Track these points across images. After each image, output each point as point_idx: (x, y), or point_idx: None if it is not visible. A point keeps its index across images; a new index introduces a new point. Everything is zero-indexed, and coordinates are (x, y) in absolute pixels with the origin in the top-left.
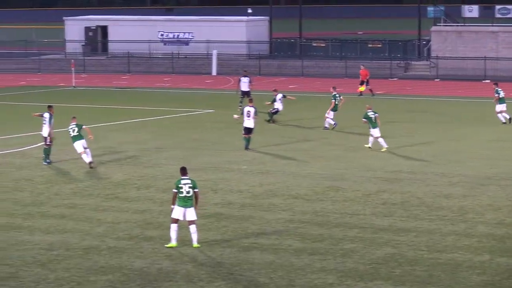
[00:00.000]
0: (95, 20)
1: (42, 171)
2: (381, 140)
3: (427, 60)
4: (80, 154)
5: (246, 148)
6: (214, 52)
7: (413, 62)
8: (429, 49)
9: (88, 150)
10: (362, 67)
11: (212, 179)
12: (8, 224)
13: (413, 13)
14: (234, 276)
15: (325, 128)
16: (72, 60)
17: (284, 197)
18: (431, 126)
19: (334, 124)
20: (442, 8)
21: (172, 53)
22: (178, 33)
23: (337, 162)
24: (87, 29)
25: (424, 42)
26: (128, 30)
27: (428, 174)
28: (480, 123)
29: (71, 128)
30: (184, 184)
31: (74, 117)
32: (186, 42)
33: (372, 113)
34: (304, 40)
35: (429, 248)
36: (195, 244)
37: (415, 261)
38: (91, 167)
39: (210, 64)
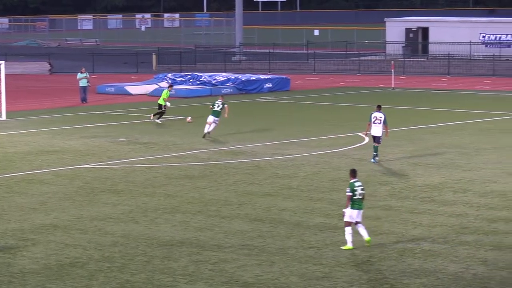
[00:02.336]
0: (416, 21)
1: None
2: None
3: None
4: (207, 123)
5: None
6: None
7: None
8: None
9: (214, 125)
10: None
11: None
12: (324, 224)
13: None
14: None
15: None
16: (392, 62)
17: None
18: None
19: None
20: None
21: (494, 55)
22: (500, 35)
23: None
24: (408, 30)
25: None
26: (448, 32)
27: None
28: None
29: (217, 104)
30: (358, 186)
31: (222, 96)
32: (508, 44)
33: None
34: None
35: None
36: (367, 237)
37: None
38: (203, 137)
39: None
